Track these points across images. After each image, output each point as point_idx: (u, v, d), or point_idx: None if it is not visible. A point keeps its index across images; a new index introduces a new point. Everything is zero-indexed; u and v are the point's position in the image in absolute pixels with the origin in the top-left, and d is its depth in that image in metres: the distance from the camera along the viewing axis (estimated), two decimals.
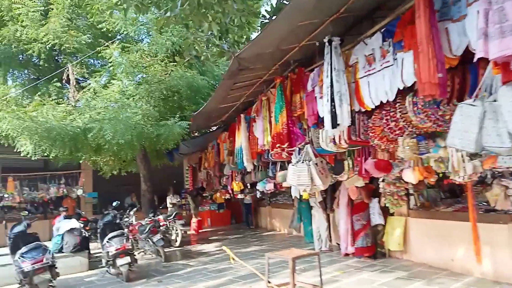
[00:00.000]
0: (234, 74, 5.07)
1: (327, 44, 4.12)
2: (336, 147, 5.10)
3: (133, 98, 7.28)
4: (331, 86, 4.02)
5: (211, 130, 11.13)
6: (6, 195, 10.86)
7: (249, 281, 6.39)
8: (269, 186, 8.45)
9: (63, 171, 11.77)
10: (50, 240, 8.64)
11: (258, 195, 9.88)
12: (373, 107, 4.04)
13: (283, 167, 7.57)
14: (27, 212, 9.80)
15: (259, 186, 8.92)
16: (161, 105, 7.62)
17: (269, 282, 4.47)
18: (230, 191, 10.41)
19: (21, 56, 8.02)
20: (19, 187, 11.19)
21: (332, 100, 4.02)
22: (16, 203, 11.38)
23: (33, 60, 8.37)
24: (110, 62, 7.45)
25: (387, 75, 3.64)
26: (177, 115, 7.61)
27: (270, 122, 6.32)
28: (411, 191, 6.53)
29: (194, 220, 12.09)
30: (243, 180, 9.41)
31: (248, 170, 7.94)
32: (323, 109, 4.24)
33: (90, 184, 12.89)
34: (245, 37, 6.12)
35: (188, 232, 11.63)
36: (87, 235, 8.89)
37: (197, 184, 13.14)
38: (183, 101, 8.08)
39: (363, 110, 4.26)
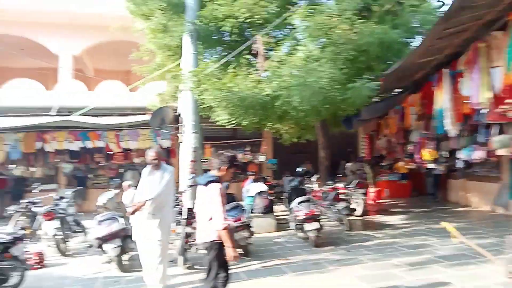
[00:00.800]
0: (451, 16, 4.13)
1: None
2: None
3: (319, 62, 7.04)
4: None
5: (393, 93, 10.13)
6: (204, 160, 12.54)
7: (455, 262, 5.51)
8: (478, 154, 7.03)
9: (248, 139, 12.84)
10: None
11: (461, 165, 8.43)
12: None
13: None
14: None
15: (463, 154, 7.54)
16: (348, 66, 7.13)
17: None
18: (418, 160, 9.30)
19: (215, 34, 8.74)
20: (214, 153, 12.76)
21: None
22: (211, 167, 13.04)
23: (224, 37, 9.06)
24: (295, 29, 7.35)
25: None
26: (365, 77, 7.01)
27: (489, 75, 5.07)
28: None
29: (372, 189, 11.47)
30: (438, 147, 8.19)
31: (452, 135, 6.76)
32: None
33: (270, 151, 13.71)
34: None
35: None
36: (271, 198, 9.42)
37: (374, 152, 12.38)
38: (372, 60, 7.37)
39: None
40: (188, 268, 5.89)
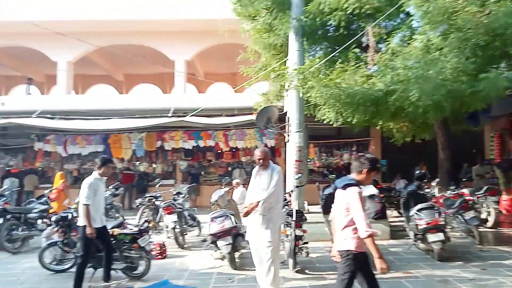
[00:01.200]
0: None
1: None
2: None
3: (440, 52, 6.22)
4: None
5: None
6: (308, 160, 12.33)
7: None
8: None
9: (354, 139, 12.19)
10: None
11: None
12: None
13: None
14: (334, 175, 10.72)
15: None
16: (477, 54, 6.15)
17: None
18: None
19: (321, 29, 8.45)
20: (318, 153, 12.50)
21: None
22: (315, 167, 12.84)
23: (329, 32, 8.71)
24: (410, 16, 6.65)
25: None
26: (500, 65, 5.96)
27: None
28: None
29: (505, 197, 9.84)
30: None
31: None
32: None
33: (378, 151, 12.80)
34: None
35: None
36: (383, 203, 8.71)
37: (506, 154, 10.61)
38: (509, 45, 6.25)
39: None
40: (298, 272, 5.73)
